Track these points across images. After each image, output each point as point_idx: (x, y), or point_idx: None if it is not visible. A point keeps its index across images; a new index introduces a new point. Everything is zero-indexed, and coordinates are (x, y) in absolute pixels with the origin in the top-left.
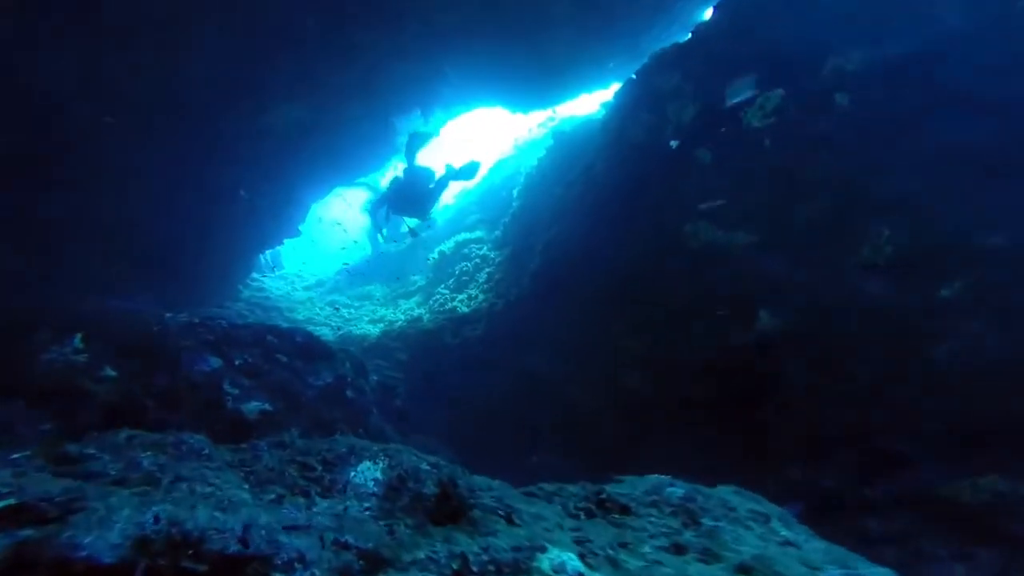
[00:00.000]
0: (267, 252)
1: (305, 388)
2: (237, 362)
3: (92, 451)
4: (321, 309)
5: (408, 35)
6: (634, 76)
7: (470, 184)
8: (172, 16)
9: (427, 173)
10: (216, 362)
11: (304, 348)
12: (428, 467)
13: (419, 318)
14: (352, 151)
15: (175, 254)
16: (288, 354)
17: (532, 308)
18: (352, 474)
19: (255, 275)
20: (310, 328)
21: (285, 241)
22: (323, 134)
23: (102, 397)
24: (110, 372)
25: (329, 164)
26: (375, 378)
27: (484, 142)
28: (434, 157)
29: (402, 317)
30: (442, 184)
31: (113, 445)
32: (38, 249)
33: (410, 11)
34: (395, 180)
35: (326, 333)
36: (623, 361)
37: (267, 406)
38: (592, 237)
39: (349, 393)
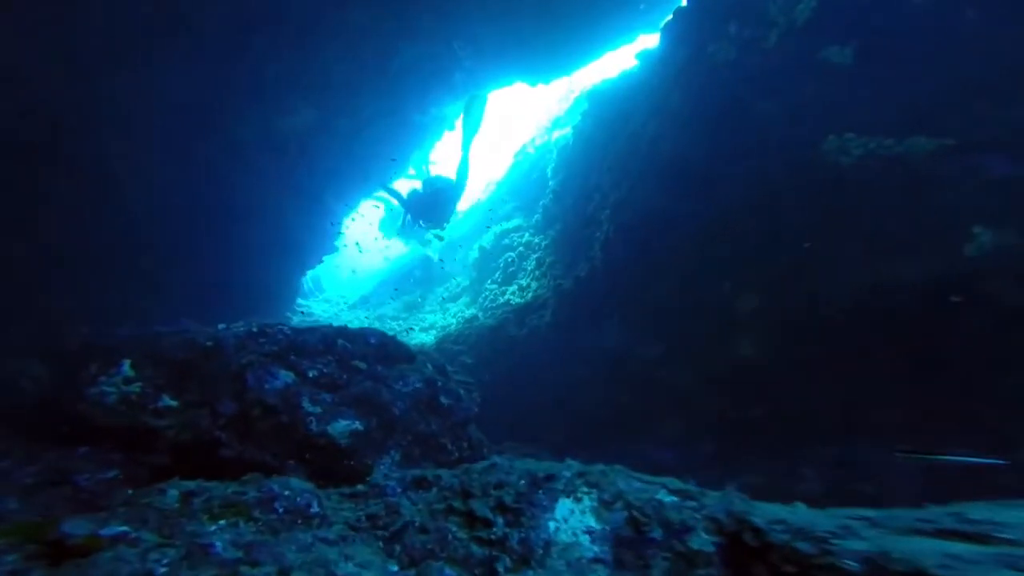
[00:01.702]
0: (308, 275)
1: (394, 398)
2: (311, 374)
3: (122, 529)
4: (370, 325)
5: (413, 10)
6: (685, 2)
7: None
8: (175, 19)
9: (445, 182)
10: (287, 376)
11: (381, 350)
12: (672, 496)
13: (473, 317)
14: (372, 155)
15: (221, 284)
16: (365, 359)
17: (607, 282)
18: (551, 525)
19: (299, 300)
20: None
21: (324, 259)
22: (341, 139)
23: (168, 434)
24: (169, 402)
25: (352, 172)
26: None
27: (504, 130)
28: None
29: (453, 320)
30: (464, 162)
31: (160, 512)
32: (76, 284)
33: None
34: (414, 191)
35: None
36: (732, 327)
37: (357, 424)
38: (678, 186)
39: (443, 399)
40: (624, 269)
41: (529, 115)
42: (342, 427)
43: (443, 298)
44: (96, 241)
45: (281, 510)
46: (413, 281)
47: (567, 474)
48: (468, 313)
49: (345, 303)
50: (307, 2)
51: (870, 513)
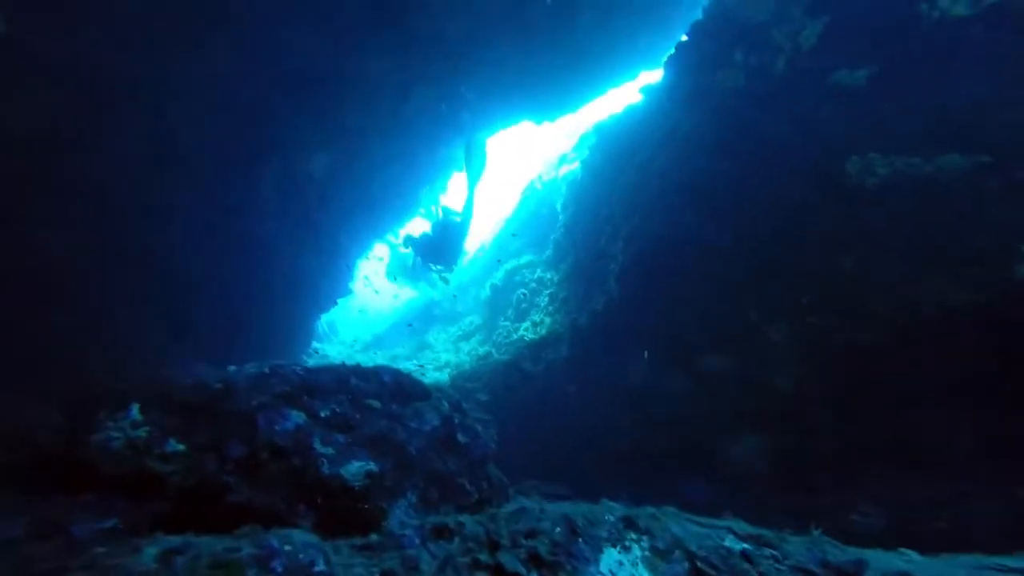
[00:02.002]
0: (323, 319)
1: (410, 437)
2: (323, 414)
3: None
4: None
5: (419, 56)
6: (686, 37)
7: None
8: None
9: (454, 224)
10: (299, 417)
11: (396, 388)
12: (743, 543)
13: (488, 354)
14: (384, 197)
15: (239, 327)
16: (380, 397)
17: (624, 315)
18: None
19: (314, 344)
20: None
21: (338, 301)
22: (355, 183)
23: (173, 480)
24: (177, 446)
25: (365, 215)
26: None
27: (511, 168)
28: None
29: (467, 358)
30: (469, 203)
31: None
32: (86, 328)
33: (418, 23)
34: (424, 235)
35: None
36: (762, 358)
37: (372, 465)
38: (693, 215)
39: (461, 437)
40: (642, 301)
41: (536, 152)
42: (356, 469)
43: (456, 337)
44: (116, 286)
45: (280, 569)
46: (426, 320)
47: (610, 518)
48: (482, 351)
49: (359, 345)
50: (327, 56)
51: (1007, 562)
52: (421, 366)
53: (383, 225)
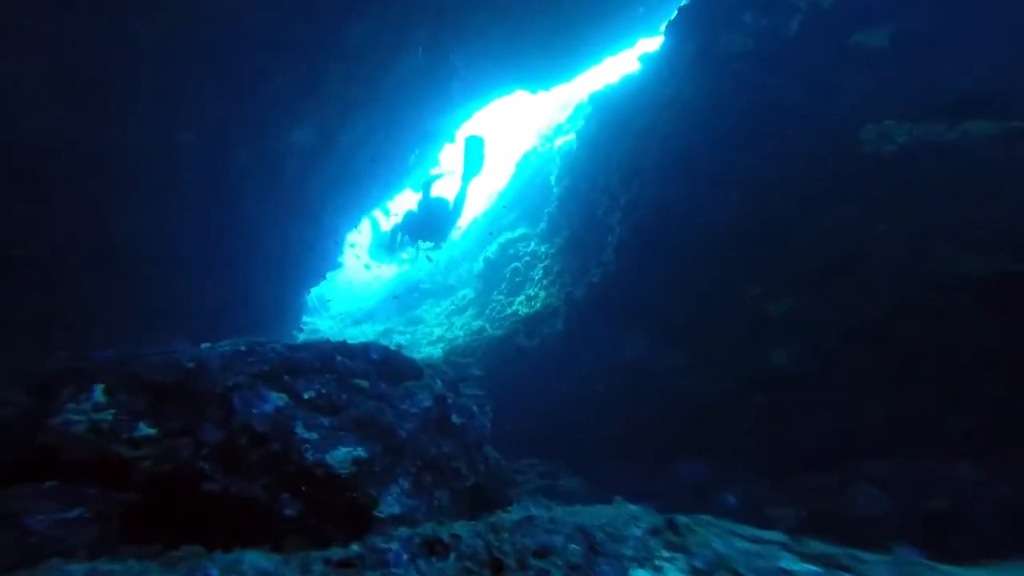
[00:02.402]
0: (312, 293)
1: (401, 419)
2: (306, 395)
3: None
4: (377, 340)
5: (403, 21)
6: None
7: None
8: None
9: (441, 203)
10: (279, 399)
11: (385, 366)
12: (806, 564)
13: (481, 329)
14: (370, 171)
15: (225, 305)
16: (368, 376)
17: (622, 288)
18: None
19: (305, 318)
20: None
21: (327, 275)
22: (340, 155)
23: (144, 466)
24: (147, 430)
25: (351, 188)
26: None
27: (504, 142)
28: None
29: (460, 333)
30: (462, 196)
31: None
32: (59, 309)
33: None
34: (410, 213)
35: None
36: (763, 334)
37: (359, 451)
38: (695, 183)
39: (455, 418)
40: (640, 274)
41: (530, 123)
42: (342, 455)
43: (449, 311)
44: (94, 263)
45: None
46: (418, 294)
47: (637, 532)
48: (475, 325)
49: (351, 318)
50: (304, 20)
51: None
52: (404, 349)
53: (370, 198)
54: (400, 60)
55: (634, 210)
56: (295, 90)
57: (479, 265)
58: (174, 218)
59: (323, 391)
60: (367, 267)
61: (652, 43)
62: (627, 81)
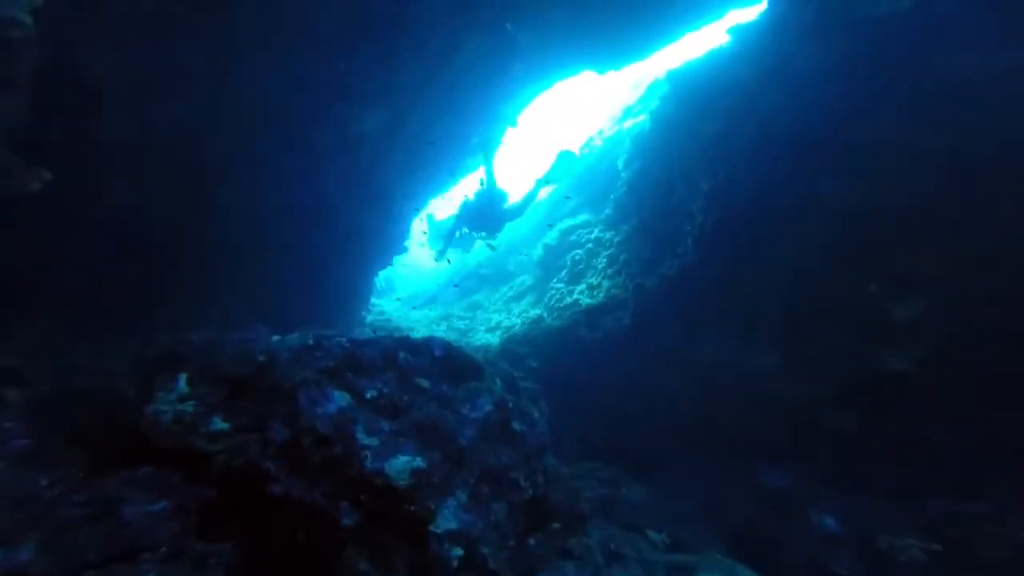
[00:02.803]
0: (380, 275)
1: (461, 425)
2: (369, 395)
3: None
4: (438, 324)
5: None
6: None
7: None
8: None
9: (499, 195)
10: (342, 399)
11: (446, 364)
12: None
13: (539, 318)
14: (437, 154)
15: (301, 285)
16: (429, 376)
17: (702, 281)
18: None
19: (373, 299)
20: None
21: (394, 259)
22: (409, 139)
23: (219, 460)
24: (221, 424)
25: (419, 172)
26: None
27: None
28: (516, 151)
29: (518, 321)
30: (530, 197)
31: None
32: (157, 283)
33: None
34: (467, 203)
35: None
36: (880, 336)
37: (418, 461)
38: (802, 165)
39: (516, 425)
40: (725, 266)
41: (595, 106)
42: (401, 465)
43: (507, 297)
44: (182, 244)
45: None
46: (477, 280)
47: None
48: (533, 313)
49: (415, 301)
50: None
51: None
52: (463, 333)
53: (435, 184)
54: (466, 40)
55: (720, 197)
56: (369, 72)
57: (538, 251)
58: (262, 198)
59: (385, 390)
60: (437, 259)
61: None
62: (713, 56)
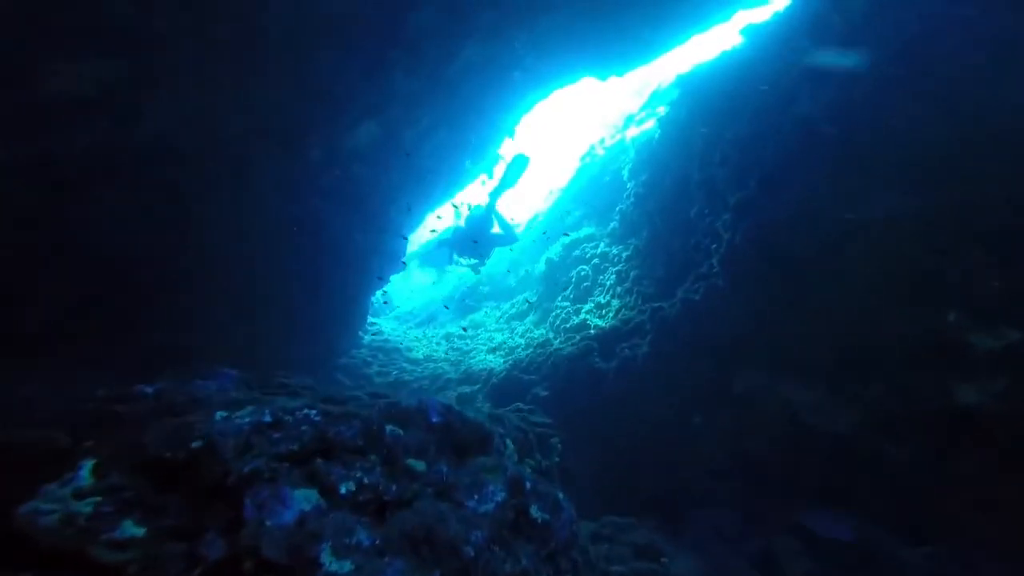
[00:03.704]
0: (378, 293)
1: (467, 527)
2: (344, 488)
3: None
4: (438, 344)
5: (473, 6)
6: None
7: (560, 185)
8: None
9: (488, 220)
10: (304, 500)
11: (446, 435)
12: None
13: (546, 341)
14: (433, 167)
15: (292, 307)
16: (424, 452)
17: (732, 306)
18: None
19: (371, 319)
20: (430, 366)
21: (391, 278)
22: (401, 153)
23: (128, 573)
24: (134, 529)
25: (415, 187)
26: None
27: (568, 132)
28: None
29: (522, 341)
30: (491, 207)
31: None
32: (118, 312)
33: None
34: (457, 228)
35: (446, 369)
36: (953, 368)
37: None
38: (860, 172)
39: (536, 512)
40: (762, 289)
41: (595, 114)
42: None
43: (509, 315)
44: (159, 265)
45: None
46: (477, 297)
47: None
48: (537, 334)
49: (414, 320)
50: (370, 7)
51: None
52: (465, 354)
53: (433, 197)
54: (462, 48)
55: (752, 211)
56: (361, 82)
57: (540, 267)
58: (248, 215)
59: (366, 480)
60: (430, 274)
61: (754, 15)
62: (728, 57)
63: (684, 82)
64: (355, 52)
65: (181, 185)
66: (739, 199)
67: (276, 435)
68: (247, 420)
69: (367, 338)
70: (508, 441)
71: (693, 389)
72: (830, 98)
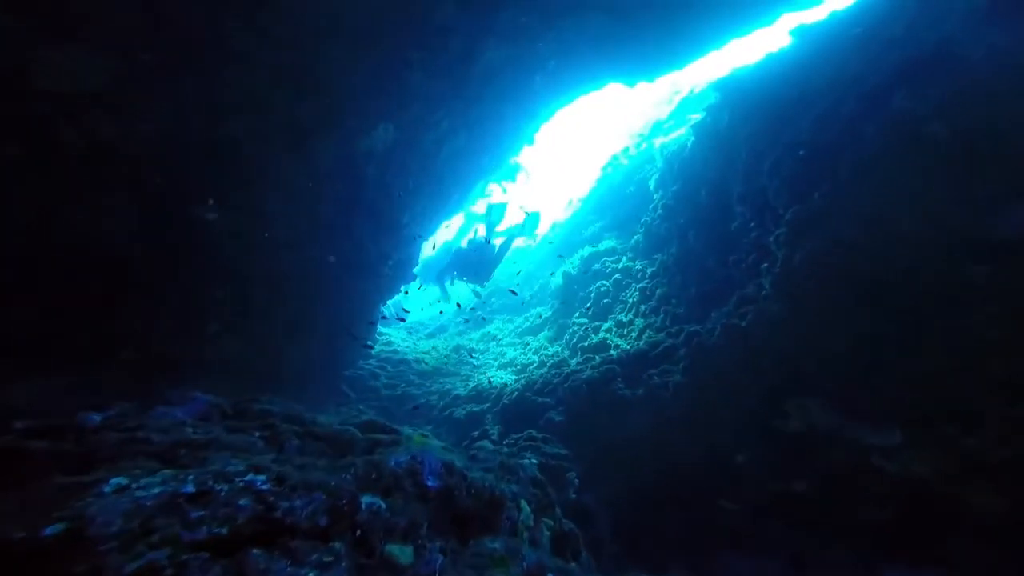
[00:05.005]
0: (389, 303)
1: None
2: None
3: None
4: (447, 357)
5: (495, 5)
6: None
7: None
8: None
9: (489, 246)
10: None
11: (444, 503)
12: None
13: (562, 361)
14: (449, 173)
15: (298, 316)
16: (415, 535)
17: (787, 334)
18: None
19: (380, 328)
20: (439, 381)
21: (402, 288)
22: (420, 157)
23: None
24: None
25: (429, 192)
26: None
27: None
28: (534, 167)
29: (535, 358)
30: (504, 247)
31: None
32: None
33: None
34: (459, 251)
35: (456, 385)
36: None
37: None
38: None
39: None
40: (831, 317)
41: (618, 123)
42: None
43: (522, 330)
44: (162, 270)
45: None
46: (489, 310)
47: None
48: (552, 351)
49: (425, 331)
50: (389, 3)
51: None
52: (475, 368)
53: (449, 204)
54: (484, 47)
55: (815, 225)
56: (378, 82)
57: (557, 280)
58: (255, 219)
59: None
60: (433, 292)
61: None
62: (777, 60)
63: (725, 86)
64: (372, 50)
65: (182, 188)
66: (797, 213)
67: (196, 514)
68: (155, 491)
69: (376, 348)
70: (523, 503)
71: (735, 424)
72: (940, 92)
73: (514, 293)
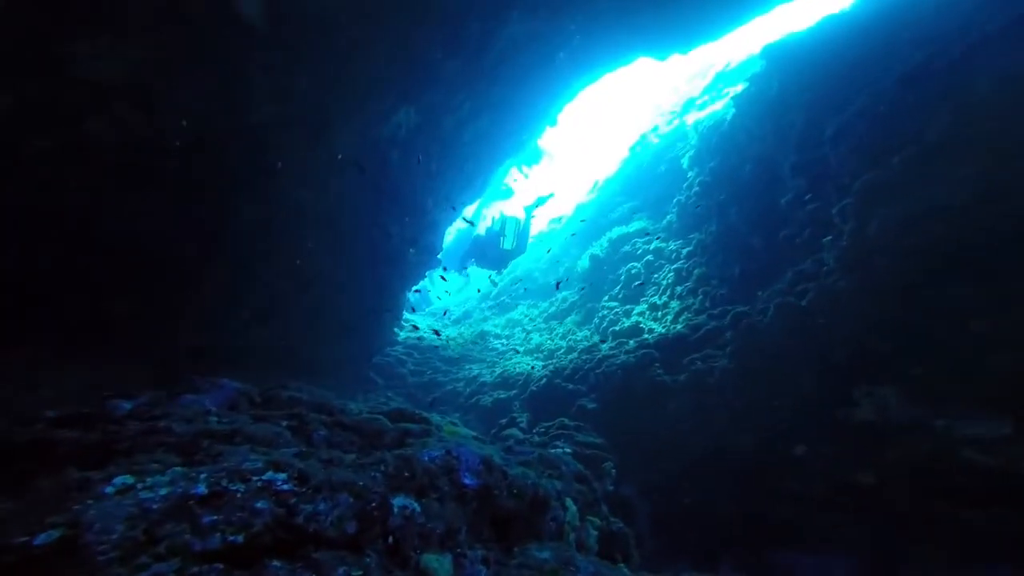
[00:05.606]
0: (414, 289)
1: None
2: None
3: None
4: (474, 343)
5: None
6: None
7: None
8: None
9: (509, 237)
10: None
11: (483, 503)
12: None
13: (593, 346)
14: (472, 155)
15: (323, 304)
16: (453, 541)
17: (856, 313)
18: None
19: (407, 315)
20: (465, 367)
21: (427, 274)
22: (441, 140)
23: None
24: None
25: (452, 176)
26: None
27: (614, 119)
28: (555, 149)
29: (563, 343)
30: (526, 230)
31: None
32: (148, 307)
33: None
34: (477, 238)
35: (483, 372)
36: None
37: None
38: None
39: None
40: (911, 296)
41: (645, 100)
42: None
43: (548, 315)
44: (191, 259)
45: None
46: (512, 297)
47: None
48: (580, 336)
49: (449, 317)
50: None
51: None
52: (501, 355)
53: (471, 189)
54: (505, 21)
55: (897, 195)
56: (396, 64)
57: (584, 262)
58: (280, 207)
59: None
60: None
61: None
62: (838, 21)
63: (773, 53)
64: (391, 31)
65: (206, 176)
66: (870, 181)
67: (209, 518)
68: (162, 492)
69: (402, 335)
70: (568, 501)
71: (791, 412)
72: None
73: (557, 287)
